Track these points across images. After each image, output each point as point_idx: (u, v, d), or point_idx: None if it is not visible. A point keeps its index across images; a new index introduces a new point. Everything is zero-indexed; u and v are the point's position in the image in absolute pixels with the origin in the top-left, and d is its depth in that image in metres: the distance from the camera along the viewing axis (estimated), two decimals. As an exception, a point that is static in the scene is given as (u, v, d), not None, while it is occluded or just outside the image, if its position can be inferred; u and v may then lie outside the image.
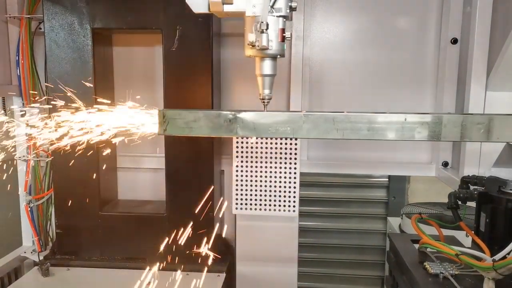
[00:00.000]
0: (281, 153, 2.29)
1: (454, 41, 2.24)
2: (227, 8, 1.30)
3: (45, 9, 2.17)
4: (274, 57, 1.35)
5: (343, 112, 1.24)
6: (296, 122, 1.26)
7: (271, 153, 2.29)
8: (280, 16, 1.29)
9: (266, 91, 1.38)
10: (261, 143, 2.29)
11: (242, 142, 2.31)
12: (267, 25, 1.25)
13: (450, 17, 2.23)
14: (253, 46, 1.28)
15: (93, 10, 2.16)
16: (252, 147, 2.30)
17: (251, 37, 1.27)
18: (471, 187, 1.74)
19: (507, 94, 1.96)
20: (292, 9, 1.32)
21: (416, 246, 1.72)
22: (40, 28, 2.38)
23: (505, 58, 1.79)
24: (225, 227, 2.63)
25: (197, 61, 2.18)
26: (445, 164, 2.35)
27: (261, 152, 2.30)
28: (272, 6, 1.27)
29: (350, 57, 2.43)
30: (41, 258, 2.39)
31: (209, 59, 2.17)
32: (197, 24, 2.13)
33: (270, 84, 1.38)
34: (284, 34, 1.31)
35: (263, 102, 1.39)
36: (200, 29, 2.14)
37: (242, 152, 2.31)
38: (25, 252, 2.52)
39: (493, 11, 1.92)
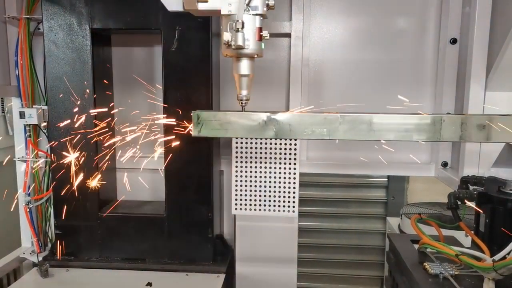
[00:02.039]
0: (280, 153, 2.28)
1: (453, 41, 2.24)
2: (202, 6, 1.26)
3: (44, 10, 2.16)
4: (251, 57, 1.32)
5: (378, 113, 1.23)
6: (332, 123, 1.24)
7: (270, 153, 2.29)
8: (256, 14, 1.26)
9: (244, 92, 1.36)
10: (261, 143, 2.29)
11: (241, 143, 2.30)
12: (243, 23, 1.22)
13: (449, 17, 2.23)
14: (229, 45, 1.25)
15: (92, 10, 2.15)
16: (251, 148, 2.30)
17: (226, 36, 1.24)
18: (471, 187, 1.74)
19: (506, 94, 1.96)
20: (269, 7, 1.28)
21: (416, 246, 1.72)
22: (39, 29, 2.38)
23: (505, 58, 1.79)
24: (225, 227, 2.62)
25: (196, 61, 2.17)
26: (445, 164, 2.35)
27: (261, 153, 2.29)
28: (248, 4, 1.23)
29: (349, 57, 2.42)
30: (40, 259, 2.38)
31: (208, 59, 2.17)
32: (197, 24, 2.13)
33: (248, 84, 1.36)
34: (261, 33, 1.28)
35: (241, 103, 1.36)
36: (200, 29, 2.14)
37: (241, 152, 2.31)
38: (24, 253, 2.51)
39: (493, 11, 1.92)
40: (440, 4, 2.31)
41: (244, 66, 1.33)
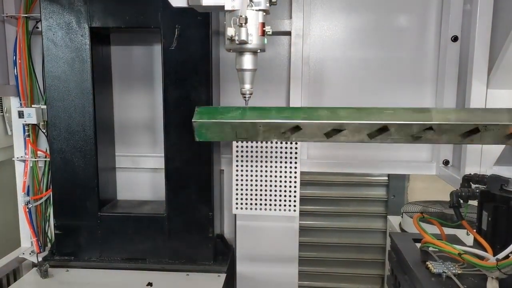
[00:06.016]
0: (281, 152, 2.27)
1: (455, 38, 2.23)
2: (206, 2, 1.28)
3: (43, 8, 2.15)
4: (254, 52, 1.34)
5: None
6: None
7: (271, 152, 2.28)
8: (259, 10, 1.28)
9: (247, 86, 1.38)
10: (261, 142, 2.28)
11: (242, 142, 2.29)
12: (246, 19, 1.24)
13: (450, 15, 2.22)
14: (233, 40, 1.28)
15: (91, 9, 2.14)
16: (252, 147, 2.28)
17: (230, 31, 1.27)
18: (473, 186, 1.73)
19: (508, 92, 1.94)
20: (272, 3, 1.31)
21: (418, 245, 1.71)
22: (38, 28, 2.36)
23: (507, 55, 1.78)
24: (225, 227, 2.61)
25: (196, 60, 2.16)
26: (446, 163, 2.34)
27: (261, 151, 2.28)
28: (251, 0, 1.26)
29: (350, 55, 2.41)
30: (40, 259, 2.37)
31: (208, 57, 2.15)
32: (196, 23, 2.12)
33: (251, 79, 1.38)
34: (264, 28, 1.30)
35: (244, 97, 1.39)
36: (199, 27, 2.13)
37: (242, 151, 2.29)
38: (23, 254, 2.50)
39: (494, 8, 1.91)
40: (441, 2, 2.30)
41: (248, 61, 1.35)
